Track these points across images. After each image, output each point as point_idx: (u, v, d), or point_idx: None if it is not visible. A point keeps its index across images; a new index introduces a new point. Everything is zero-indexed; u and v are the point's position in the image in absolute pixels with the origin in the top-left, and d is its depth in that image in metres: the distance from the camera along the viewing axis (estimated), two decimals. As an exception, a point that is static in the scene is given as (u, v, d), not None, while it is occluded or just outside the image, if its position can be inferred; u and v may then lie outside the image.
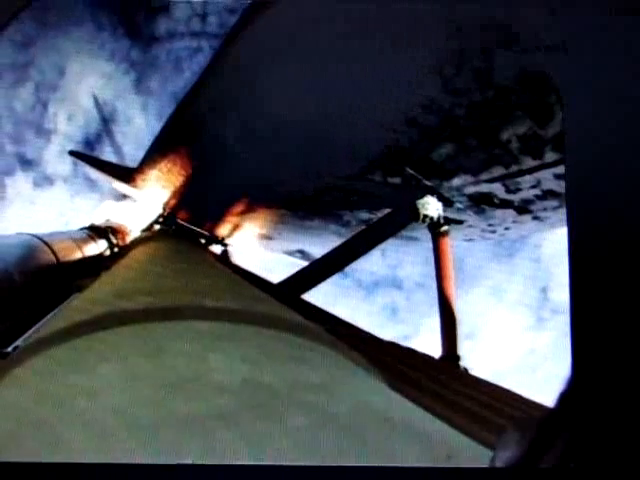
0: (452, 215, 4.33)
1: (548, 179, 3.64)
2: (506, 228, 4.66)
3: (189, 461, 0.82)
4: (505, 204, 4.17)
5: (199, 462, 0.82)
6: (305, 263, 4.97)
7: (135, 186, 5.31)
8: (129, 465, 0.81)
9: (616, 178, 1.34)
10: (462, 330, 3.73)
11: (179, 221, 5.71)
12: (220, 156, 4.53)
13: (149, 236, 5.02)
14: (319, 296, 3.68)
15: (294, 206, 4.96)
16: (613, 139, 1.37)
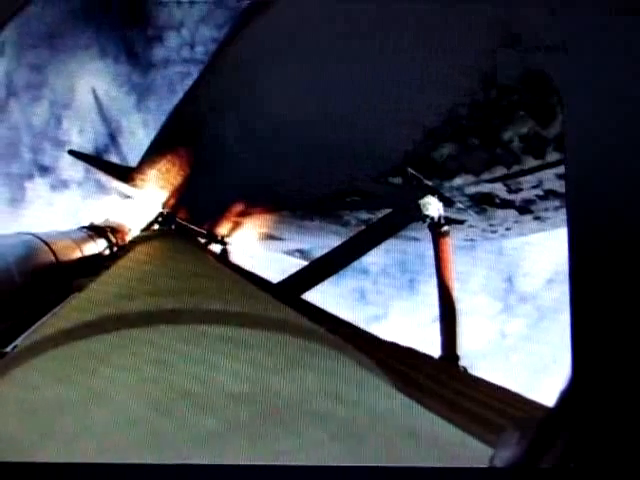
0: (453, 215, 4.33)
1: (550, 179, 3.63)
2: (507, 228, 4.66)
3: (189, 461, 0.81)
4: (506, 204, 4.16)
5: (199, 462, 0.81)
6: (305, 263, 4.97)
7: (134, 185, 5.33)
8: (129, 465, 0.81)
9: (616, 178, 1.34)
10: (428, 314, 3.82)
11: (178, 220, 5.72)
12: (219, 156, 4.53)
13: (148, 235, 5.02)
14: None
15: (294, 206, 4.96)
16: (613, 139, 1.36)
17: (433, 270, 3.99)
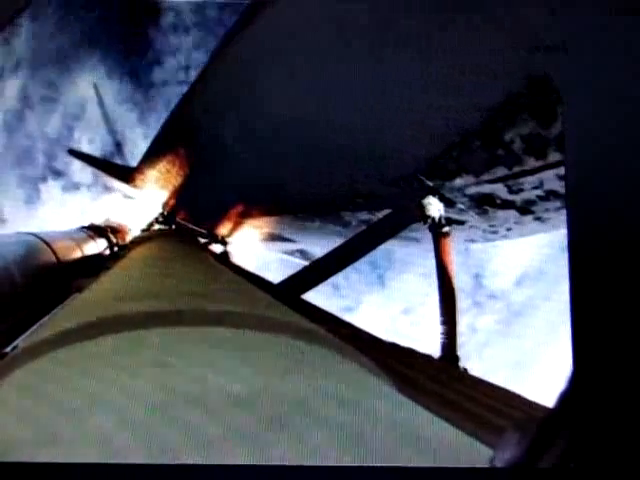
0: (454, 216, 4.32)
1: (551, 180, 3.62)
2: (508, 229, 4.65)
3: (189, 461, 0.81)
4: (507, 205, 4.15)
5: (199, 462, 0.81)
6: (305, 263, 4.97)
7: (134, 185, 5.35)
8: (129, 465, 0.81)
9: (616, 178, 1.34)
10: (399, 306, 3.91)
11: (179, 220, 5.74)
12: (219, 156, 4.54)
13: (149, 236, 5.03)
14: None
15: (294, 207, 4.97)
16: (613, 139, 1.36)
17: (400, 266, 4.07)
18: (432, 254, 4.02)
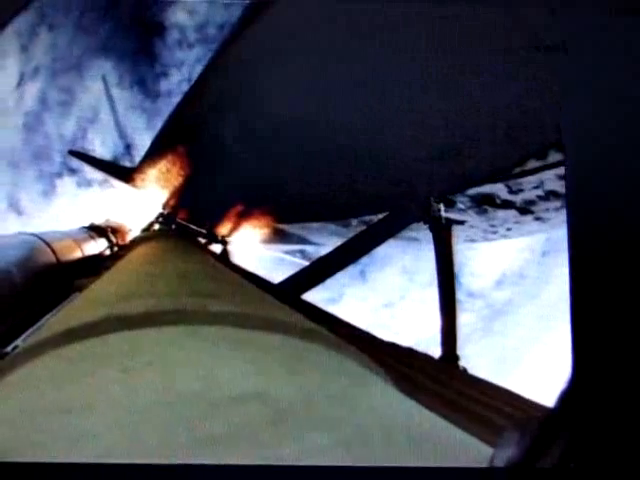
0: (454, 216, 4.33)
1: (551, 180, 3.63)
2: (508, 229, 4.66)
3: (190, 461, 0.81)
4: (507, 205, 4.16)
5: (199, 462, 0.81)
6: (305, 263, 4.98)
7: (135, 185, 5.36)
8: (130, 465, 0.81)
9: (616, 178, 1.34)
10: (380, 301, 4.00)
11: (179, 220, 5.75)
12: (220, 156, 4.55)
13: (149, 236, 5.04)
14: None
15: (294, 207, 4.97)
16: (613, 139, 1.36)
17: (381, 262, 4.12)
18: (413, 251, 4.06)
